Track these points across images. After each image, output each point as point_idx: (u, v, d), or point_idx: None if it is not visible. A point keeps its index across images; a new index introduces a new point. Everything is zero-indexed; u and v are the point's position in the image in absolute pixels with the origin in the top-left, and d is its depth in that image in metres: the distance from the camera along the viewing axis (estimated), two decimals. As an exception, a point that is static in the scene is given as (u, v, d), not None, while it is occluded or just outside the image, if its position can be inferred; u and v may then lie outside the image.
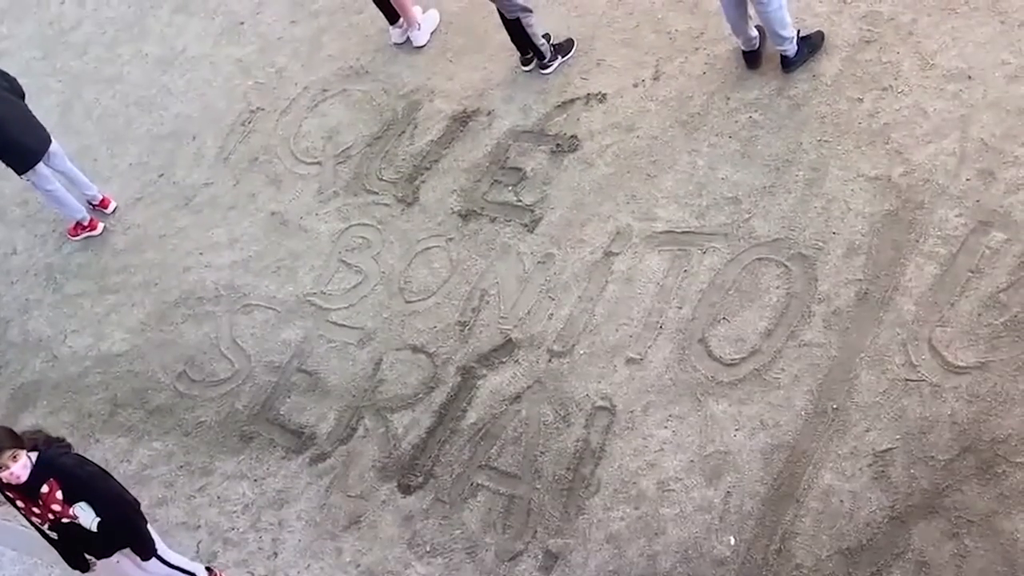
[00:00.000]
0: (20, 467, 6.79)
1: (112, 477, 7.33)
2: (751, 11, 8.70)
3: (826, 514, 7.12)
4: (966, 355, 7.23)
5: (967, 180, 7.84)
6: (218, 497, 8.50)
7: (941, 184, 7.93)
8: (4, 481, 6.91)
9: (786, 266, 8.06)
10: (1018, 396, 6.93)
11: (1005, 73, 8.27)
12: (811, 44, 8.89)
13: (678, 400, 7.78)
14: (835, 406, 7.38)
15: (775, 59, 8.99)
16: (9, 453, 6.77)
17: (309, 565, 7.95)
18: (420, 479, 8.05)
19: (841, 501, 7.10)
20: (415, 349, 8.69)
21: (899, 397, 7.26)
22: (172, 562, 7.53)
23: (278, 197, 10.14)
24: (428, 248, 9.23)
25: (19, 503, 7.08)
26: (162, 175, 10.81)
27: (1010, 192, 7.68)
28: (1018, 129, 8.00)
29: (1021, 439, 6.86)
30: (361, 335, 8.95)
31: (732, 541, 7.28)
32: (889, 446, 7.14)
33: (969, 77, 8.30)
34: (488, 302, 8.73)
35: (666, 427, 7.69)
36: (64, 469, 7.04)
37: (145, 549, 7.30)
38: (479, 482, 7.92)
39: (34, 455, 6.90)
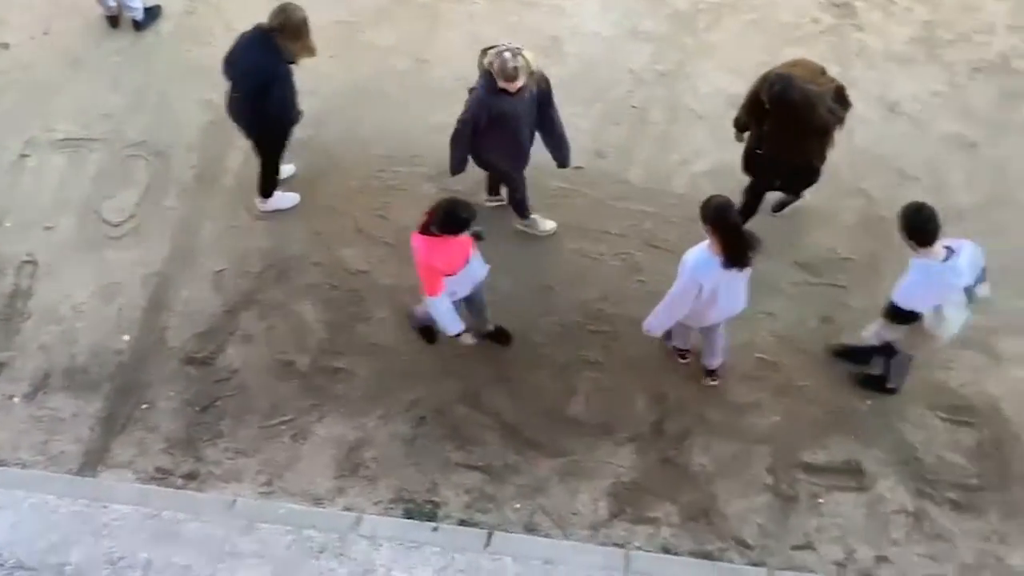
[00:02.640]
0: None
1: None
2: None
3: (185, 313, 8.78)
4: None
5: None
6: None
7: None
8: None
9: (148, 160, 9.69)
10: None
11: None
12: (152, 14, 10.43)
13: (81, 252, 9.08)
14: (181, 245, 9.10)
15: (129, 21, 10.43)
16: None
17: None
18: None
19: (192, 304, 8.78)
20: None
21: (240, 240, 9.04)
22: None
23: None
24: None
25: None
26: None
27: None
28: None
29: (352, 262, 8.85)
30: None
31: (126, 338, 8.76)
32: (223, 267, 8.91)
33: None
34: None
35: (76, 274, 9.01)
36: None
37: None
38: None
39: None
